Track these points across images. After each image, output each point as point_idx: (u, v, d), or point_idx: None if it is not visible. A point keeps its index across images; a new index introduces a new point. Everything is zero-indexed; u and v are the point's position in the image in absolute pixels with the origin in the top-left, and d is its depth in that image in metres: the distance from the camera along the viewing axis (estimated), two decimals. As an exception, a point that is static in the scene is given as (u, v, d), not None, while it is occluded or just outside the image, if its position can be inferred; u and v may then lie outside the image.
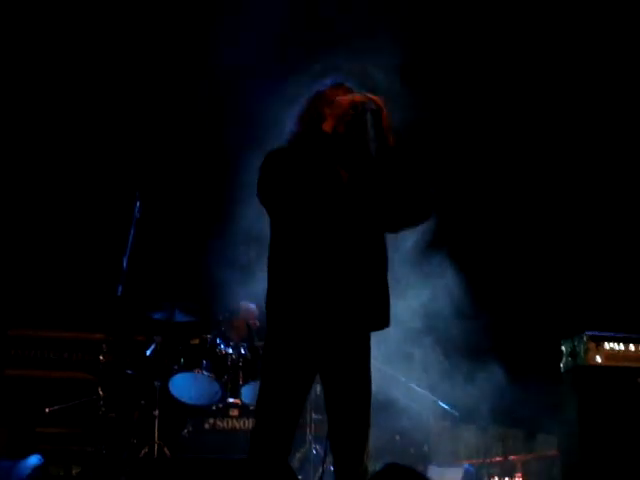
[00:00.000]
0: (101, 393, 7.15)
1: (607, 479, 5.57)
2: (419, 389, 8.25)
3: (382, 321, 4.49)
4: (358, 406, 4.41)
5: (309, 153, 4.42)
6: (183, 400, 7.62)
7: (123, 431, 7.74)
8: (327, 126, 4.43)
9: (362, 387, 4.44)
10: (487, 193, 9.36)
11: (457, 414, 8.31)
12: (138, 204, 7.52)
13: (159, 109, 9.49)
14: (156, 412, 7.37)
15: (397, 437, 8.55)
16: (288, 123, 4.59)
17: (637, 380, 7.48)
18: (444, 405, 8.19)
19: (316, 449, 7.16)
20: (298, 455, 7.14)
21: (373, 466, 4.51)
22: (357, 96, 4.49)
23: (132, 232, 7.42)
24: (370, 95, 4.50)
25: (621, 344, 7.59)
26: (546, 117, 9.21)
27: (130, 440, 7.61)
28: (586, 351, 7.53)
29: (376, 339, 4.57)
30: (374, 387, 4.50)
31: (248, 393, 7.61)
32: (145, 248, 7.73)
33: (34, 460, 7.34)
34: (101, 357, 7.30)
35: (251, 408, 7.45)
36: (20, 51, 9.22)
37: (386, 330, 4.55)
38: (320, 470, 6.95)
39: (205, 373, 7.63)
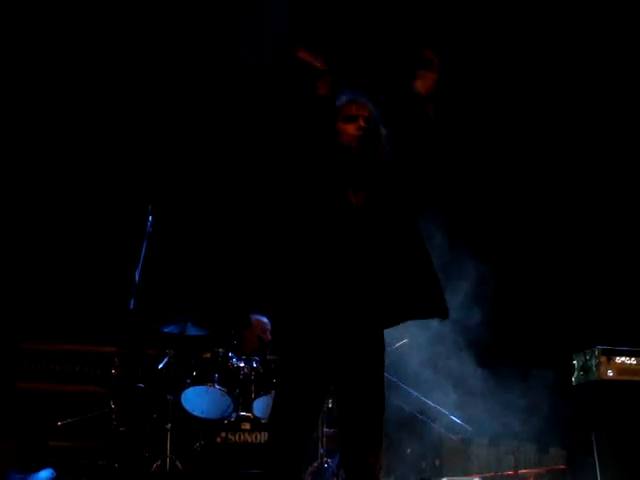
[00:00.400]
0: (113, 406, 7.16)
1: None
2: (431, 403, 8.24)
3: (411, 312, 4.51)
4: (371, 419, 4.41)
5: (324, 167, 4.48)
6: (195, 414, 7.63)
7: (135, 445, 7.74)
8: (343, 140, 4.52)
9: (375, 400, 4.44)
10: (497, 207, 9.39)
11: (469, 428, 8.30)
12: (150, 218, 7.54)
13: (172, 122, 9.53)
14: (168, 426, 7.36)
15: (408, 451, 8.54)
16: None
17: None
18: (456, 419, 8.18)
19: (328, 463, 7.16)
20: (310, 469, 7.13)
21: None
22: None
23: (144, 246, 7.44)
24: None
25: (633, 358, 7.59)
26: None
27: (142, 454, 7.61)
28: (598, 365, 7.53)
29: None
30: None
31: (260, 407, 7.61)
32: (157, 262, 7.74)
33: (46, 474, 7.36)
34: (113, 370, 7.30)
35: (263, 422, 7.46)
36: (29, 62, 9.26)
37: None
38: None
39: (217, 387, 7.62)
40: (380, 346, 4.52)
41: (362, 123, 4.56)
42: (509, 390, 8.24)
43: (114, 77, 9.38)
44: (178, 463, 7.22)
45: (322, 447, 7.18)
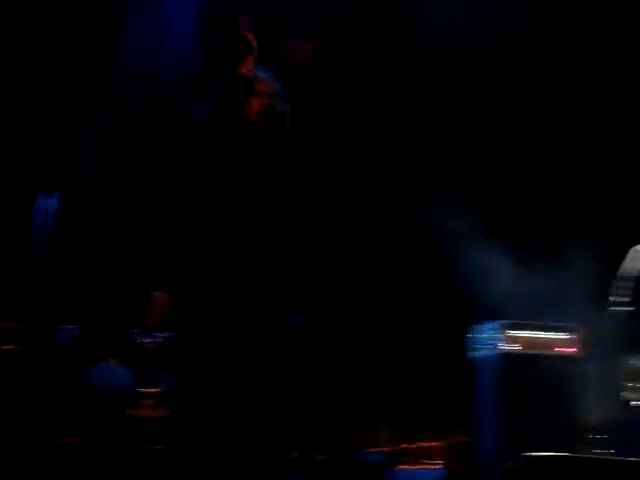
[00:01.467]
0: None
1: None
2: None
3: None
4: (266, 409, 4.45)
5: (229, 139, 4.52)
6: (99, 389, 7.60)
7: (38, 421, 7.67)
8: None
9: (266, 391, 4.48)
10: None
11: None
12: (44, 201, 7.43)
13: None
14: (71, 402, 7.32)
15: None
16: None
17: (544, 365, 7.68)
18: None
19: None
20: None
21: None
22: None
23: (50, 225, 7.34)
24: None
25: (532, 331, 7.77)
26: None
27: (45, 430, 7.55)
28: (498, 338, 7.69)
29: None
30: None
31: (164, 382, 7.60)
32: (63, 237, 7.68)
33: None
34: (12, 346, 7.22)
35: (167, 397, 7.46)
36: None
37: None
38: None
39: (120, 362, 7.61)
40: (277, 335, 4.55)
41: (265, 99, 4.59)
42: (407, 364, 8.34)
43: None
44: (82, 440, 7.19)
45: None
